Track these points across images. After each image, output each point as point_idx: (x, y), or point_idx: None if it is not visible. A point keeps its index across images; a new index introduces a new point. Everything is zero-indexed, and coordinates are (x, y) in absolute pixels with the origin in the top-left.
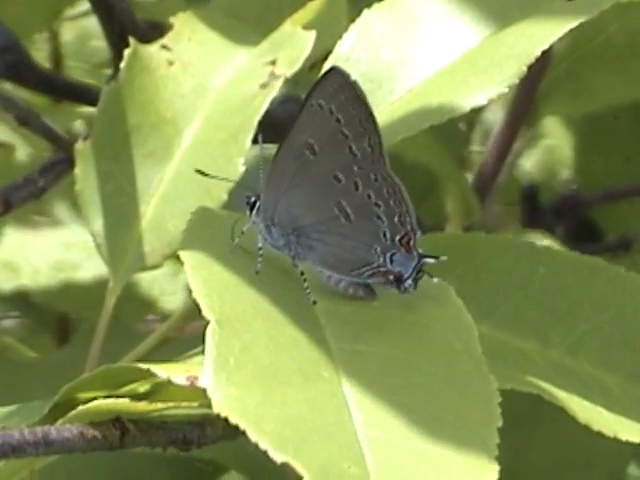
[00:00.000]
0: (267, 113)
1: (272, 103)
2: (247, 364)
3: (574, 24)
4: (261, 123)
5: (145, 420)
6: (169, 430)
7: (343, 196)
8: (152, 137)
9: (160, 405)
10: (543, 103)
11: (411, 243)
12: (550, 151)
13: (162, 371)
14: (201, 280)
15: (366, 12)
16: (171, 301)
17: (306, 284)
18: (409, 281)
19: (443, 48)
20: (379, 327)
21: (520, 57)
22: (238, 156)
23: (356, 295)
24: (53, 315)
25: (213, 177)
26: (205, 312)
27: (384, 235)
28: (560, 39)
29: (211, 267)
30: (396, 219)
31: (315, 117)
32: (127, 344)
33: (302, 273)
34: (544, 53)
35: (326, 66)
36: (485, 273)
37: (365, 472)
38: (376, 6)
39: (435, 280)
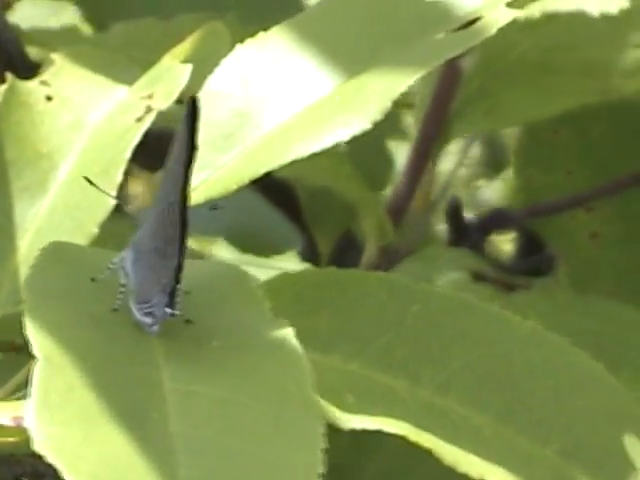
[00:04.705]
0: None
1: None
2: (72, 403)
3: (441, 61)
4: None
5: None
6: (15, 463)
7: (167, 229)
8: (28, 172)
9: None
10: (456, 121)
11: (172, 290)
12: None
13: None
14: (36, 317)
15: (239, 47)
16: None
17: (120, 295)
18: (155, 327)
19: (312, 84)
20: (217, 368)
21: (385, 93)
22: (109, 190)
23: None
24: None
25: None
26: (35, 350)
27: (169, 276)
28: (472, 57)
29: (51, 304)
30: (176, 262)
31: (175, 142)
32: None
33: (122, 285)
34: (456, 71)
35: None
36: (358, 310)
37: None
38: (249, 41)
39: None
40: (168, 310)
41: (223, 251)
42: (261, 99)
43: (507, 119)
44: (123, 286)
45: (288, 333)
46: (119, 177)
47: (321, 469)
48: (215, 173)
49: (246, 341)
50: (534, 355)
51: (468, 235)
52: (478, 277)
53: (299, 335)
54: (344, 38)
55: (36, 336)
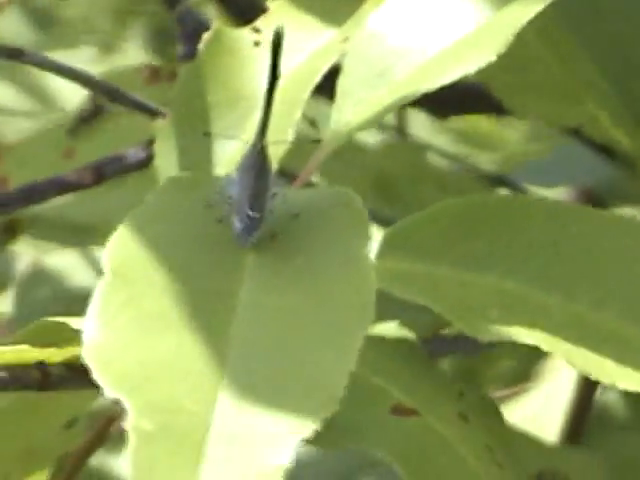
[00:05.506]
0: None
1: None
2: (129, 311)
3: None
4: None
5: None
6: None
7: None
8: (228, 113)
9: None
10: None
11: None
12: None
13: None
14: (120, 237)
15: None
16: None
17: (224, 211)
18: (249, 236)
19: (460, 22)
20: (294, 282)
21: (509, 27)
22: (289, 128)
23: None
24: None
25: None
26: (104, 264)
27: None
28: None
29: (146, 225)
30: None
31: None
32: None
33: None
34: None
35: (355, 43)
36: (516, 233)
37: (206, 410)
38: None
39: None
40: (250, 213)
41: None
42: (414, 38)
43: None
44: (228, 203)
45: (369, 252)
46: (296, 116)
47: (353, 368)
48: (366, 109)
49: (332, 259)
50: None
51: None
52: None
53: (456, 259)
54: None
55: (109, 251)
